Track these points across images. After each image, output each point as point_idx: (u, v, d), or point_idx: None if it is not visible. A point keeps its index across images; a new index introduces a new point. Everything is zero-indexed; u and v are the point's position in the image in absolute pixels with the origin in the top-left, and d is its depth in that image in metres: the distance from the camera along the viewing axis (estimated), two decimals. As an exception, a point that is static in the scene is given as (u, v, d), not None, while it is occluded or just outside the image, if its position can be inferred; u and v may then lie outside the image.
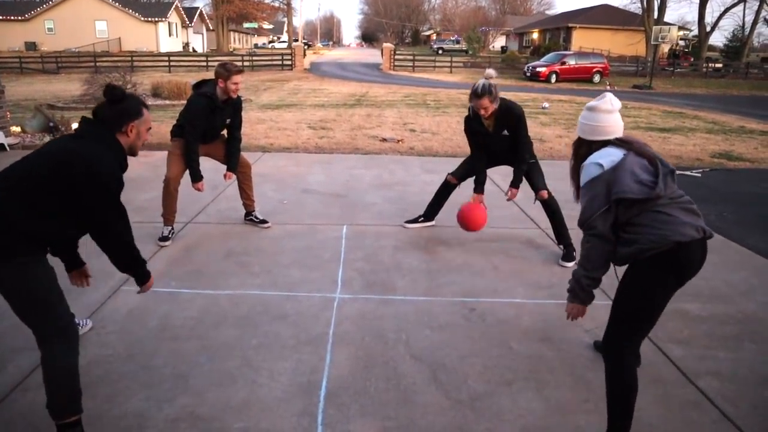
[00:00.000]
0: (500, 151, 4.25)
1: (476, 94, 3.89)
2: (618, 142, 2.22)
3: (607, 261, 2.19)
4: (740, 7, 39.65)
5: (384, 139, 9.21)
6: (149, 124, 2.33)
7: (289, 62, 29.81)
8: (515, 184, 4.22)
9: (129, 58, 27.74)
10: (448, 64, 30.93)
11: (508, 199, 4.35)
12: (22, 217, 1.98)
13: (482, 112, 3.94)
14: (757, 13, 37.37)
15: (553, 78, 26.05)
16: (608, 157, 2.15)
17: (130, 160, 2.35)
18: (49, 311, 2.09)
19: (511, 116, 4.03)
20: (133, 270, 2.34)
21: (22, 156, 2.11)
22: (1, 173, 2.07)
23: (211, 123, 4.21)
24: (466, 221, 4.23)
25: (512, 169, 4.31)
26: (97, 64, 24.68)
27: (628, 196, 2.07)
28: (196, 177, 4.28)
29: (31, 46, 38.93)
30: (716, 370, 2.82)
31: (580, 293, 2.25)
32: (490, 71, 4.01)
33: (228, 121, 4.35)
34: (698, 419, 2.45)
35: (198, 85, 4.26)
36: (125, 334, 3.00)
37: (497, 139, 4.13)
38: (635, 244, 2.09)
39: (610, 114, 2.25)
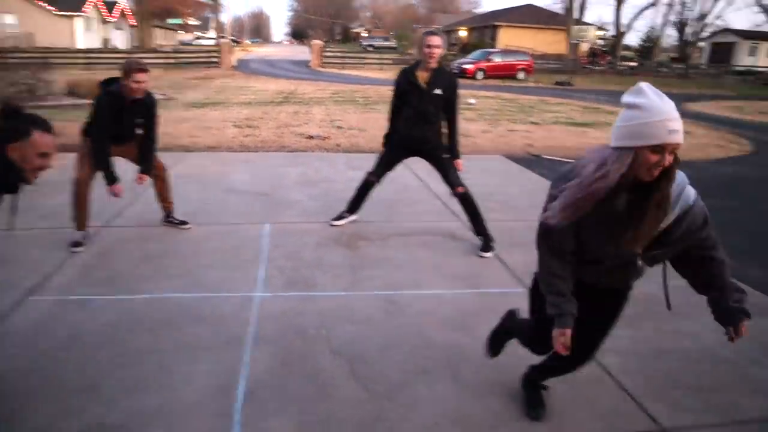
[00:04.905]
0: (425, 112, 4.19)
1: (430, 32, 4.08)
2: None
3: None
4: (653, 9, 42.34)
5: (310, 137, 9.17)
6: (42, 148, 2.10)
7: (216, 59, 28.99)
8: None
9: (42, 55, 26.12)
10: (378, 62, 31.08)
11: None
12: None
13: (431, 51, 4.01)
14: (665, 16, 39.96)
15: (480, 75, 26.71)
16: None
17: None
18: None
19: (448, 76, 4.16)
20: None
21: None
22: None
23: (120, 123, 4.01)
24: None
25: (432, 166, 4.43)
26: (7, 60, 23.09)
27: None
28: (111, 179, 4.04)
29: (-71, 41, 35.92)
30: (617, 348, 3.01)
31: None
32: None
33: (141, 121, 4.16)
34: (599, 394, 2.63)
35: (107, 83, 4.08)
36: (31, 347, 2.85)
37: (428, 97, 4.14)
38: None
39: None
